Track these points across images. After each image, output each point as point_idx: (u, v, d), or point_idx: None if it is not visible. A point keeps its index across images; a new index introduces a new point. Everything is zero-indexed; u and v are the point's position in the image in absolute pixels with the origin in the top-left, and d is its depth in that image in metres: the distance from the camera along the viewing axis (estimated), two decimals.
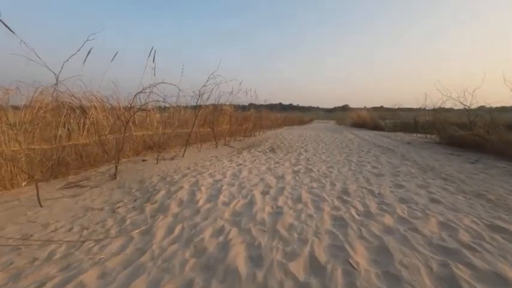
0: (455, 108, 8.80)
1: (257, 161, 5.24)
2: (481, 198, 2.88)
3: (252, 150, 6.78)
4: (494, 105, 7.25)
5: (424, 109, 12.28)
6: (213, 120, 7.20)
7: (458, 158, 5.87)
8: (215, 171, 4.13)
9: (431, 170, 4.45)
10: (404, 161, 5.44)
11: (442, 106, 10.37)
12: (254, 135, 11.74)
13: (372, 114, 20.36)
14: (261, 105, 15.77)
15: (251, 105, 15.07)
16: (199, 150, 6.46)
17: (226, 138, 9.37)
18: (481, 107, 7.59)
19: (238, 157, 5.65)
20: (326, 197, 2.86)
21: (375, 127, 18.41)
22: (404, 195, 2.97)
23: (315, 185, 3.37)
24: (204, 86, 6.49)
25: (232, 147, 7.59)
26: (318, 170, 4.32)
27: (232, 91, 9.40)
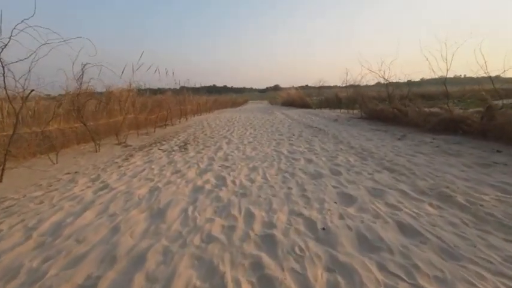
0: (374, 84, 9.04)
1: (146, 171, 3.38)
2: (454, 206, 2.01)
3: (154, 150, 4.79)
4: (413, 79, 7.44)
5: (346, 86, 12.64)
6: (79, 109, 4.67)
7: (385, 134, 5.57)
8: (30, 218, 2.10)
9: (370, 157, 3.68)
10: (338, 144, 4.66)
11: (362, 82, 10.66)
12: (172, 124, 9.48)
13: (299, 93, 20.66)
14: (183, 88, 13.34)
15: (179, 89, 12.45)
16: (55, 162, 4.01)
17: (128, 132, 6.92)
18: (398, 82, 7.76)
19: (120, 167, 3.63)
20: (226, 269, 1.38)
21: (303, 105, 18.72)
22: (361, 221, 1.82)
23: (216, 227, 1.84)
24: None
25: (128, 146, 5.36)
26: (234, 181, 2.85)
27: (134, 70, 6.91)
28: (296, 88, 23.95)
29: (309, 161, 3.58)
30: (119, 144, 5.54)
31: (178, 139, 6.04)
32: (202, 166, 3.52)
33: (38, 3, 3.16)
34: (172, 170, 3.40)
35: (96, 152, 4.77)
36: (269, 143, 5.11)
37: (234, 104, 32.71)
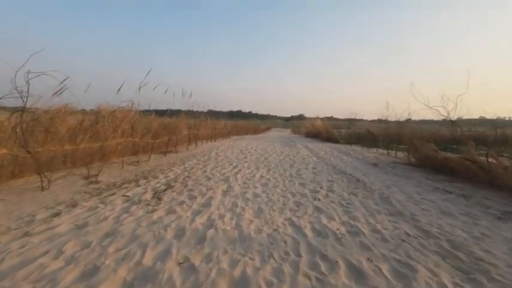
0: (427, 119, 7.13)
1: (51, 253, 1.87)
2: None
3: (117, 195, 3.36)
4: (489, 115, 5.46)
5: (386, 120, 10.75)
6: (25, 131, 3.50)
7: (466, 202, 3.55)
8: None
9: (476, 268, 1.80)
10: (397, 220, 2.80)
11: (406, 117, 8.73)
12: (176, 152, 8.25)
13: (326, 125, 18.92)
14: (198, 112, 12.49)
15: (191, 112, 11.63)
16: None
17: (114, 159, 5.74)
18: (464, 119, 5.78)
19: (25, 235, 2.18)
20: None
21: (329, 138, 16.83)
22: None
23: None
24: None
25: (96, 182, 4.03)
26: None
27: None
28: (322, 119, 22.30)
29: (358, 271, 1.80)
30: (87, 178, 4.24)
31: (167, 176, 4.61)
32: (147, 258, 1.91)
33: None
34: (91, 259, 1.84)
35: (43, 190, 3.46)
36: (284, 202, 3.40)
37: (256, 131, 31.78)
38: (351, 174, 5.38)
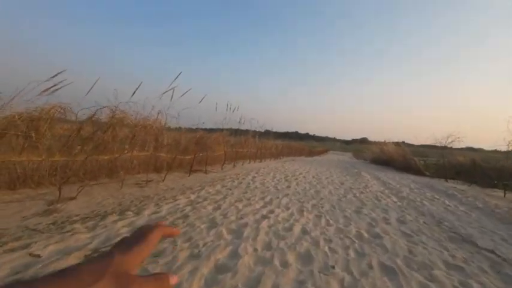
0: None
1: None
2: None
3: (15, 255, 1.94)
4: None
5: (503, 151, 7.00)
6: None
7: None
8: None
9: None
10: None
11: None
12: (205, 172, 6.90)
13: (402, 150, 14.84)
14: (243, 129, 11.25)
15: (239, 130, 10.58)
16: None
17: (125, 175, 4.68)
18: None
19: None
20: None
21: (407, 167, 12.84)
22: None
23: None
24: None
25: (56, 212, 2.82)
26: None
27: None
28: (396, 143, 17.97)
29: None
30: (51, 203, 3.08)
31: (154, 212, 3.06)
32: None
33: None
34: None
35: None
36: None
37: (311, 153, 28.92)
38: (491, 251, 2.64)
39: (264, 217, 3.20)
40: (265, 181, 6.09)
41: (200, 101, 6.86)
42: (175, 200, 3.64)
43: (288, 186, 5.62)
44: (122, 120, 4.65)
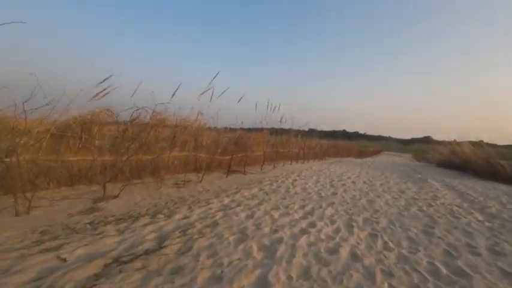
0: None
1: None
2: None
3: (43, 257, 1.94)
4: None
5: None
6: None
7: None
8: None
9: None
10: None
11: None
12: (244, 173, 6.71)
13: (483, 151, 11.98)
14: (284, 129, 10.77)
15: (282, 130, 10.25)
16: None
17: (164, 175, 4.82)
18: None
19: None
20: None
21: (491, 173, 10.22)
22: None
23: None
24: None
25: (97, 210, 2.94)
26: None
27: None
28: (473, 143, 14.69)
29: None
30: (96, 201, 3.24)
31: (185, 217, 2.92)
32: None
33: None
34: None
35: (16, 215, 2.60)
36: None
37: (361, 154, 26.42)
38: None
39: (304, 232, 2.73)
40: (307, 186, 5.52)
41: (239, 101, 6.71)
42: (208, 204, 3.47)
43: (334, 193, 4.94)
44: (162, 121, 4.78)
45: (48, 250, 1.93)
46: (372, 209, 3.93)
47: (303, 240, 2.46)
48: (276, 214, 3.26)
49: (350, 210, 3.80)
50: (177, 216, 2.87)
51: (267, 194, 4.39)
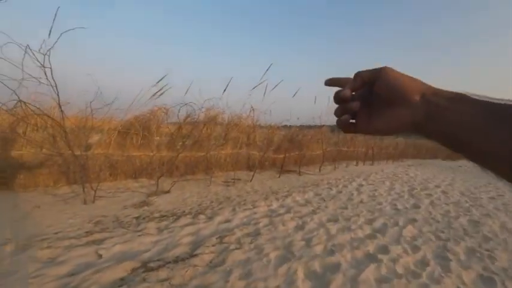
0: None
1: None
2: None
3: (82, 251, 1.95)
4: None
5: None
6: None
7: None
8: None
9: None
10: None
11: None
12: (299, 173, 6.14)
13: None
14: None
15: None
16: None
17: (215, 172, 4.85)
18: None
19: None
20: None
21: None
22: None
23: None
24: None
25: (146, 205, 3.05)
26: None
27: None
28: None
29: None
30: (150, 195, 3.37)
31: (229, 221, 2.67)
32: None
33: None
34: None
35: (85, 203, 2.88)
36: None
37: (453, 155, 21.26)
38: None
39: (371, 258, 2.04)
40: (377, 193, 4.51)
41: (294, 95, 6.15)
42: (254, 207, 3.14)
43: (416, 206, 3.82)
44: (214, 119, 4.76)
45: (93, 242, 1.99)
46: (480, 236, 2.75)
47: (369, 273, 1.80)
48: (333, 228, 2.63)
49: (442, 232, 2.76)
50: (218, 219, 2.65)
51: (324, 201, 3.74)
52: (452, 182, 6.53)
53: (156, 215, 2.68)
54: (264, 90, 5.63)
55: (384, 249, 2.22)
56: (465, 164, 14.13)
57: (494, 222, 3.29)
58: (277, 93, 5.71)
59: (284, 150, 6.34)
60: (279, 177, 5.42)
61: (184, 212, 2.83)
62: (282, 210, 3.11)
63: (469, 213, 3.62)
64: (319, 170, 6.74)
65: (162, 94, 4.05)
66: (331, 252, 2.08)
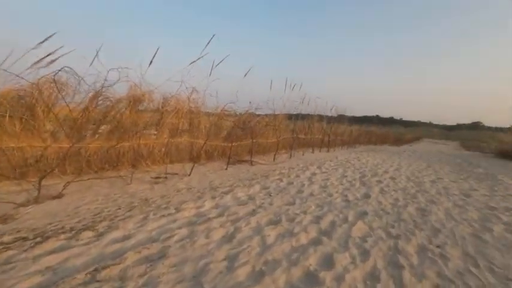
0: None
1: None
2: None
3: None
4: None
5: None
6: None
7: None
8: None
9: None
10: None
11: None
12: (251, 163, 5.57)
13: None
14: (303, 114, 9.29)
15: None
16: None
17: (153, 165, 3.94)
18: None
19: None
20: None
21: None
22: None
23: None
24: None
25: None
26: None
27: None
28: None
29: None
30: (25, 204, 2.38)
31: (128, 237, 1.90)
32: None
33: None
34: None
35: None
36: None
37: (398, 141, 23.51)
38: None
39: (310, 280, 1.52)
40: (329, 183, 4.19)
41: (245, 74, 5.44)
42: (178, 212, 2.41)
43: (367, 196, 3.56)
44: (139, 99, 3.78)
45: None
46: (429, 227, 2.53)
47: None
48: (271, 234, 2.08)
49: (393, 227, 2.45)
50: (113, 236, 1.86)
51: (270, 196, 3.21)
52: (398, 167, 6.75)
53: (8, 238, 1.76)
54: (211, 70, 4.81)
55: (329, 262, 1.74)
56: (408, 149, 15.54)
57: (439, 209, 3.18)
58: (229, 75, 4.93)
59: (235, 138, 5.68)
60: (227, 169, 4.75)
61: (62, 228, 1.95)
62: (213, 213, 2.46)
63: (416, 200, 3.50)
64: (274, 159, 6.29)
65: (53, 62, 2.93)
66: (259, 277, 1.51)
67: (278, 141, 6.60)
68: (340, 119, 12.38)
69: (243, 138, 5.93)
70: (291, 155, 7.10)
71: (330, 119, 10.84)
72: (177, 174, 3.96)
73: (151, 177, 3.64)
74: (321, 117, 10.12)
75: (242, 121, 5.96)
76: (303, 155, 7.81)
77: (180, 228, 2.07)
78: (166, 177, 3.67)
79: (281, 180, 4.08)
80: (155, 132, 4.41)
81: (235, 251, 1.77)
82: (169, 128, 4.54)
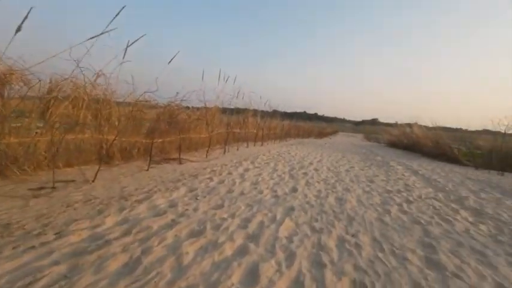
0: None
1: None
2: None
3: None
4: None
5: None
6: None
7: None
8: None
9: None
10: None
11: None
12: (180, 161, 5.00)
13: (434, 134, 12.42)
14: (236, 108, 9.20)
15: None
16: None
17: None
18: None
19: None
20: None
21: (440, 154, 10.58)
22: None
23: None
24: None
25: None
26: None
27: None
28: (418, 125, 15.33)
29: None
30: None
31: None
32: None
33: None
34: None
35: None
36: None
37: (320, 134, 26.71)
38: None
39: None
40: (261, 178, 4.15)
41: (169, 62, 4.75)
42: (58, 238, 1.76)
43: (294, 189, 3.67)
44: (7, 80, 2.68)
45: None
46: (345, 216, 2.74)
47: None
48: (190, 251, 1.75)
49: (316, 221, 2.53)
50: None
51: (197, 199, 2.85)
52: (321, 158, 7.51)
53: None
54: (124, 52, 3.95)
55: (254, 275, 1.56)
56: (328, 141, 17.84)
57: (352, 196, 3.58)
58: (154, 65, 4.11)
59: (160, 133, 4.96)
60: (148, 170, 4.06)
61: None
62: (116, 233, 1.92)
63: (335, 190, 3.84)
64: (206, 155, 5.88)
65: None
66: None
67: (210, 136, 6.20)
68: (274, 114, 13.01)
69: (171, 133, 5.26)
70: (225, 151, 6.83)
71: (264, 114, 11.18)
72: (74, 181, 3.06)
73: (30, 189, 2.67)
74: (255, 112, 10.25)
75: (168, 114, 5.25)
76: (237, 149, 7.68)
77: (56, 264, 1.48)
78: (54, 187, 2.76)
79: (211, 180, 3.76)
80: (40, 125, 3.31)
81: (136, 285, 1.36)
82: (62, 121, 3.49)
